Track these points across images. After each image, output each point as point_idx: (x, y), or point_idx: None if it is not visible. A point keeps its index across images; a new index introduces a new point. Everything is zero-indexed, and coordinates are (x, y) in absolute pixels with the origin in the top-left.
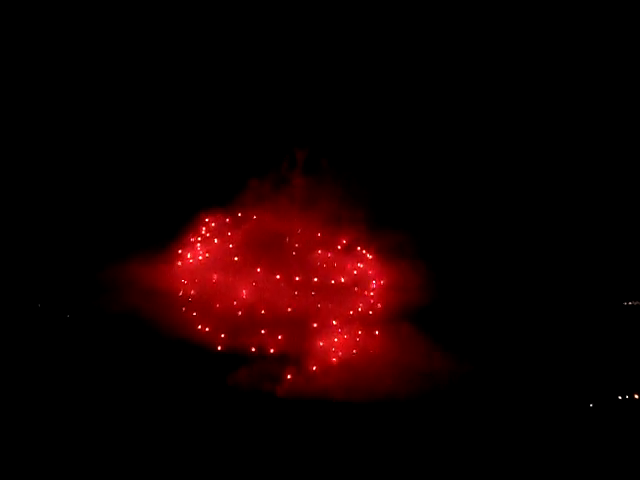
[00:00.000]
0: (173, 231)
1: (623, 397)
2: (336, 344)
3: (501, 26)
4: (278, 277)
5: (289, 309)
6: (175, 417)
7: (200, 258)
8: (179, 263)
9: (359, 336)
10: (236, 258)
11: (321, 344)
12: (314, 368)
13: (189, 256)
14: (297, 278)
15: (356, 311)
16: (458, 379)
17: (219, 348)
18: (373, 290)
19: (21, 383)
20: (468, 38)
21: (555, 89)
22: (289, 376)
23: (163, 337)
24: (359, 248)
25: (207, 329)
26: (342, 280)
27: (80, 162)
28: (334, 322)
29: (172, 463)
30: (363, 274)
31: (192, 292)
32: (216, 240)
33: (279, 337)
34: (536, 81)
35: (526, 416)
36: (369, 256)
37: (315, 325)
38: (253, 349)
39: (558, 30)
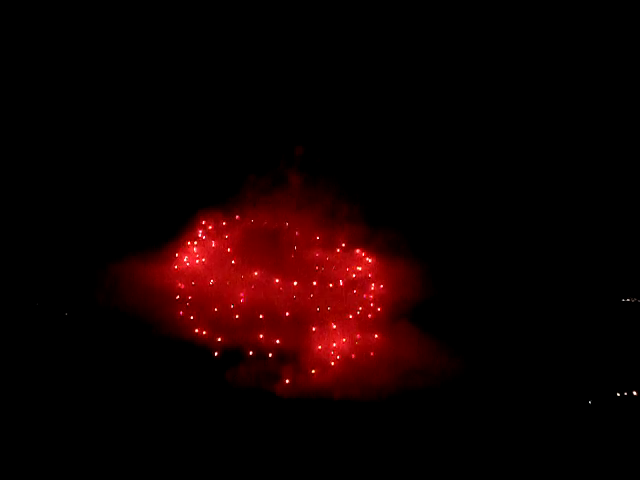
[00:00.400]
0: (170, 230)
1: (622, 394)
2: (335, 348)
3: (496, 26)
4: (277, 280)
5: (287, 313)
6: (173, 417)
7: (197, 262)
8: (175, 266)
9: (358, 340)
10: (233, 261)
11: (320, 347)
12: (313, 371)
13: (185, 259)
14: (295, 283)
15: (355, 315)
16: (457, 376)
17: (216, 354)
18: (372, 293)
19: (19, 381)
20: (461, 37)
21: (548, 88)
22: (287, 377)
23: (160, 337)
24: (358, 250)
25: (204, 332)
26: (341, 283)
27: (78, 161)
28: (334, 326)
29: (171, 462)
30: (362, 277)
31: (189, 297)
32: (213, 243)
33: (277, 341)
34: (527, 79)
35: (524, 413)
36: (368, 259)
37: (314, 329)
38: (251, 352)
39: (558, 30)
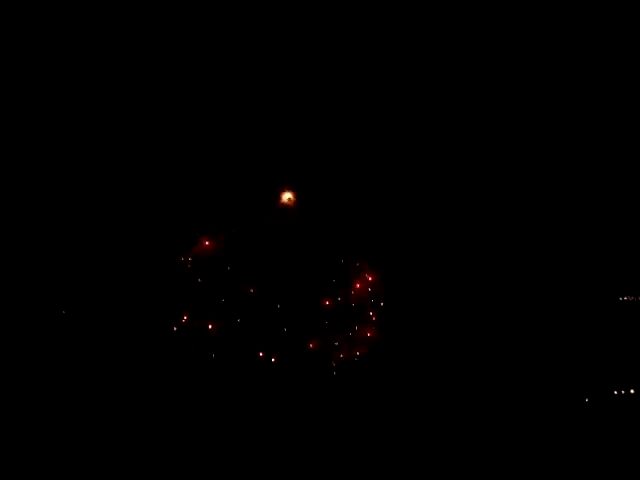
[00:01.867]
0: (170, 241)
1: (619, 392)
2: (335, 365)
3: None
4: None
5: (285, 328)
6: (171, 420)
7: (193, 280)
8: (171, 283)
9: (358, 356)
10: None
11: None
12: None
13: (182, 275)
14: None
15: (355, 333)
16: (454, 375)
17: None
18: (375, 316)
19: (17, 380)
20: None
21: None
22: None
23: (158, 342)
24: (357, 264)
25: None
26: (339, 299)
27: (79, 165)
28: (336, 343)
29: (171, 463)
30: (364, 300)
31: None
32: (211, 262)
33: (273, 360)
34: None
35: (521, 411)
36: (369, 278)
37: (312, 346)
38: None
39: (558, 30)
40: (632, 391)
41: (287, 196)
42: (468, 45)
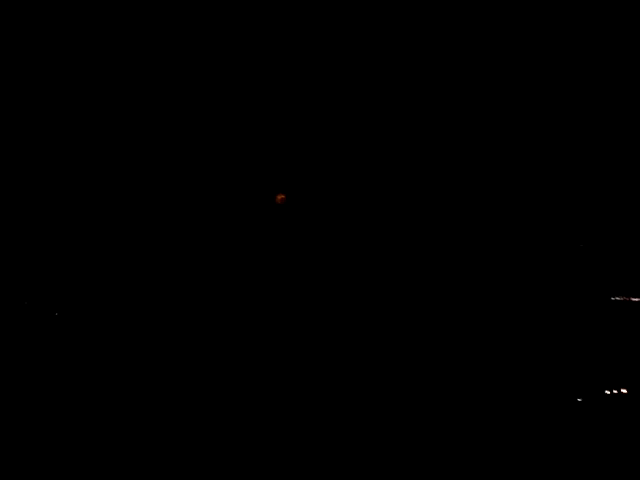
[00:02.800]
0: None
1: (611, 392)
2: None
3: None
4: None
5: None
6: (169, 423)
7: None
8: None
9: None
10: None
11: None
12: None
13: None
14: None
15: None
16: (448, 376)
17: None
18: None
19: (7, 384)
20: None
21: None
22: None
23: (157, 341)
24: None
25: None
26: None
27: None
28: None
29: (171, 463)
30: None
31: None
32: (208, 263)
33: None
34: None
35: (514, 411)
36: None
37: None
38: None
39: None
40: (624, 391)
41: (280, 196)
42: (468, 46)
